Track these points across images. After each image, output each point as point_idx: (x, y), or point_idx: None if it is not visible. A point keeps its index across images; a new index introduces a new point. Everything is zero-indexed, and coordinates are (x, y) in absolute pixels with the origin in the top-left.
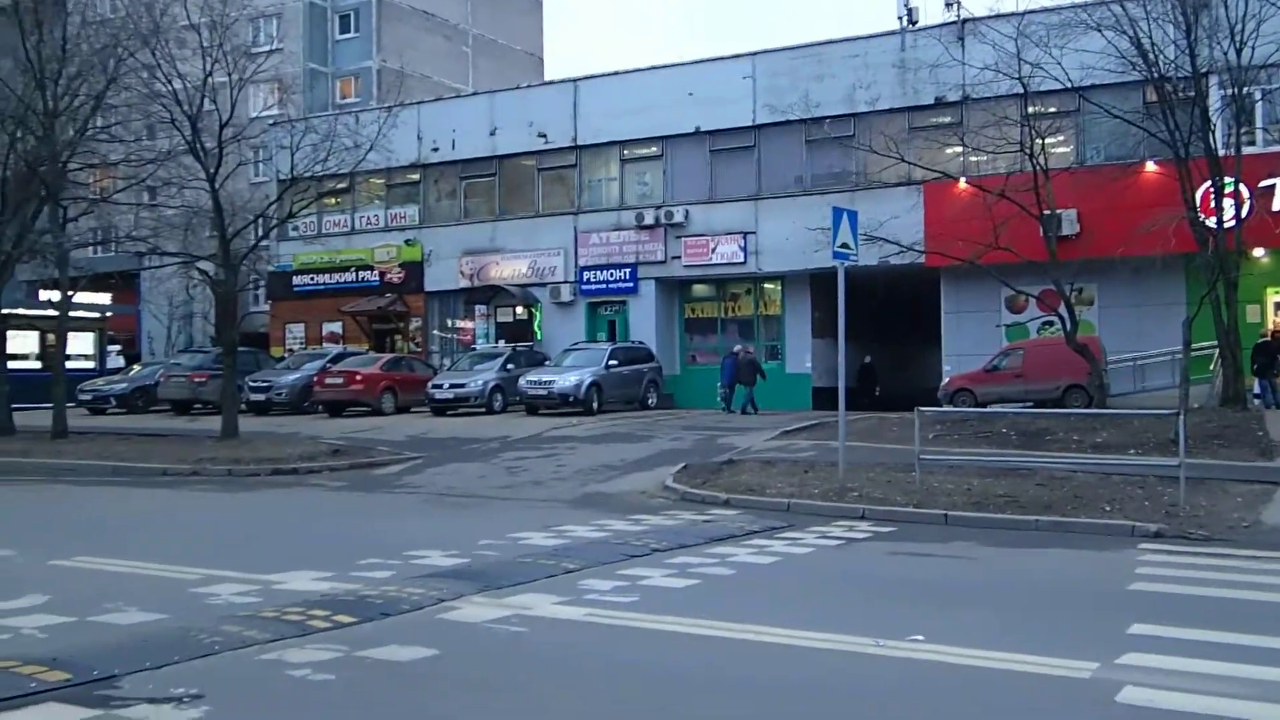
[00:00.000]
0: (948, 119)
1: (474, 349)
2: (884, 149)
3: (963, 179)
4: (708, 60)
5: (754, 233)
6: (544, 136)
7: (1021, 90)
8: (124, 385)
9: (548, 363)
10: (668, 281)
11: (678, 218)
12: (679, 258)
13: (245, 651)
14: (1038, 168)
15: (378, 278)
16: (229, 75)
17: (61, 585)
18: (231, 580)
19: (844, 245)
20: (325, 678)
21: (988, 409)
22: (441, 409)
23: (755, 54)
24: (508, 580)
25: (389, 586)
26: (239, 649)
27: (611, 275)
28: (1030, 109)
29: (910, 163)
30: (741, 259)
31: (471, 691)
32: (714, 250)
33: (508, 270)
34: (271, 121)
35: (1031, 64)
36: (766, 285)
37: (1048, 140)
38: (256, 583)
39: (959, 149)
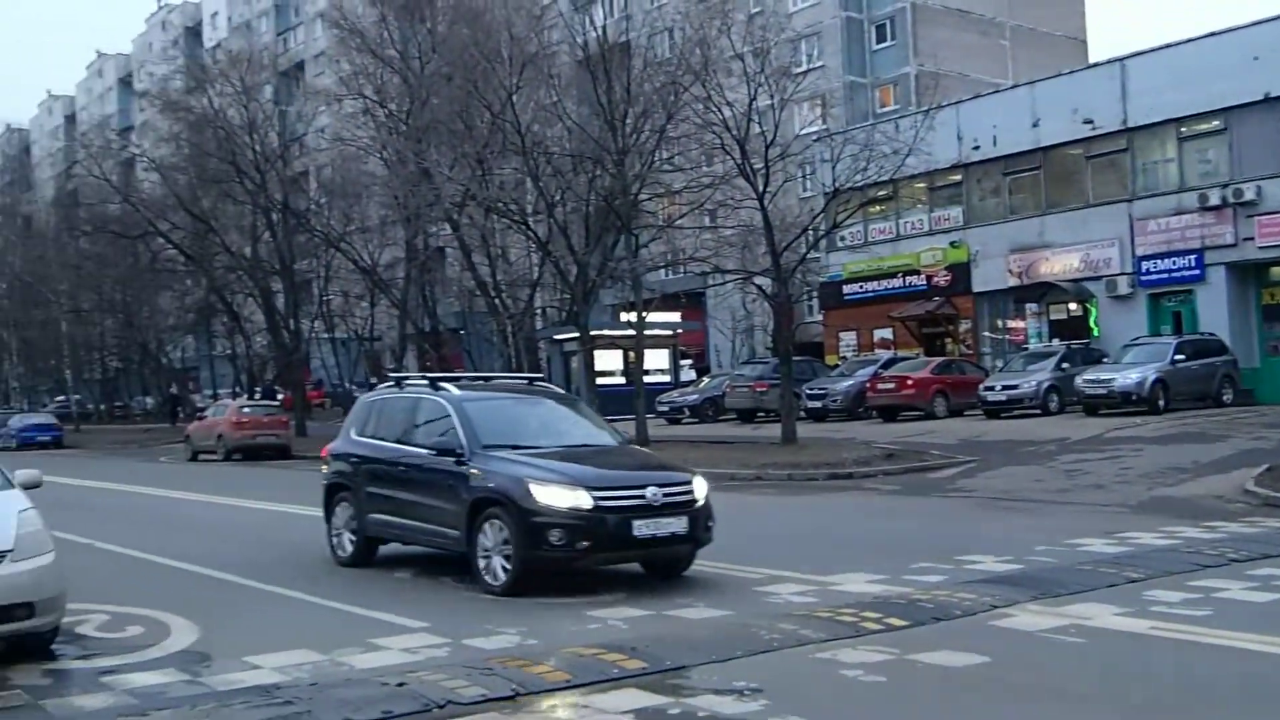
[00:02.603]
0: None
1: (1026, 348)
2: None
3: None
4: (1273, 19)
5: None
6: (1090, 122)
7: None
8: (695, 396)
9: (1105, 360)
10: (1239, 266)
11: (1248, 195)
12: (1251, 239)
13: (801, 650)
14: None
15: (924, 282)
16: (772, 97)
17: (641, 582)
18: (790, 580)
19: None
20: (876, 679)
21: None
22: (994, 411)
23: None
24: (1064, 588)
25: (940, 591)
26: (795, 647)
27: (1174, 263)
28: None
29: None
30: None
31: (1025, 702)
32: None
33: (1058, 265)
34: (814, 137)
35: None
36: None
37: None
38: (813, 583)
39: None
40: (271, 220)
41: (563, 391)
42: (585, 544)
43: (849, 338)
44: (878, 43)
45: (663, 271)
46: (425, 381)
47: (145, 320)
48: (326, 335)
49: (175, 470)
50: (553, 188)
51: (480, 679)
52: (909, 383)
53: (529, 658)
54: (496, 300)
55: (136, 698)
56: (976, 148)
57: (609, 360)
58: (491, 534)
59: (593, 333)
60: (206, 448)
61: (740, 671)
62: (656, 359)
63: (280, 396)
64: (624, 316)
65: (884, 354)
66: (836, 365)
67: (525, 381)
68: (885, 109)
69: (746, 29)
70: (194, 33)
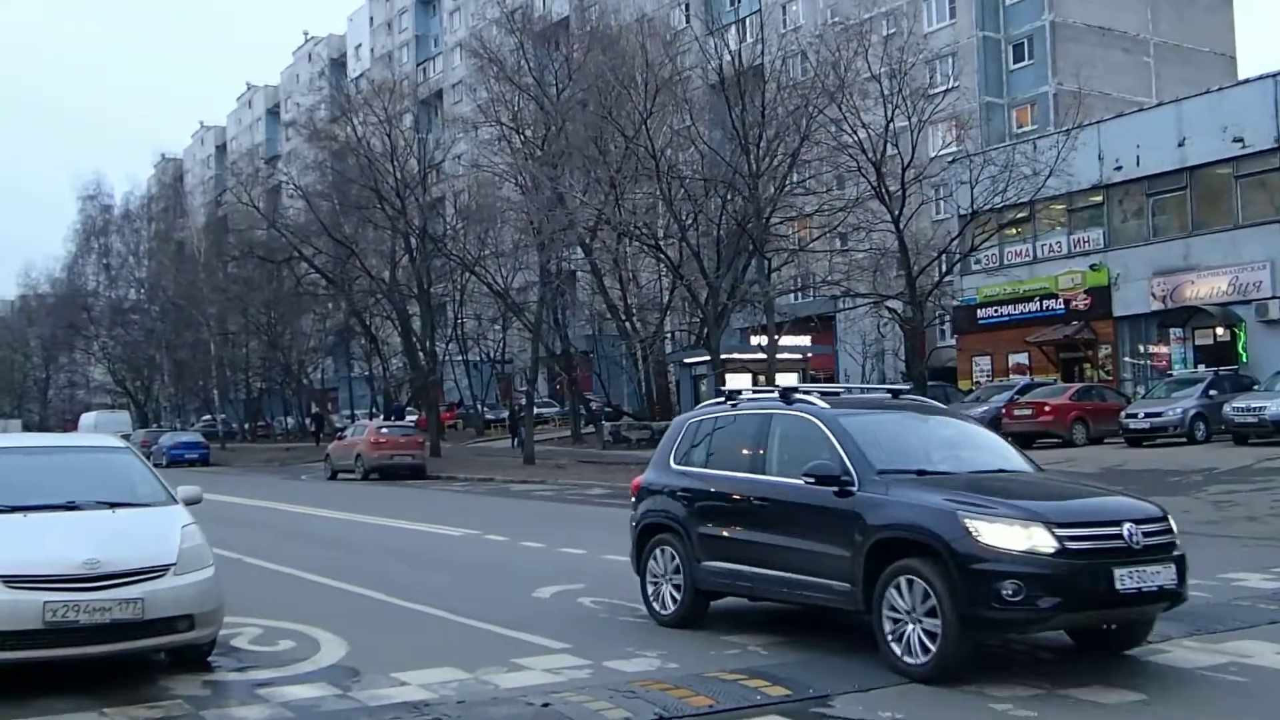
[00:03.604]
0: None
1: (1170, 375)
2: None
3: None
4: None
5: None
6: (1240, 141)
7: None
8: None
9: (1256, 387)
10: None
11: None
12: None
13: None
14: None
15: (1063, 306)
16: (909, 119)
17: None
18: None
19: None
20: (1027, 714)
21: None
22: (1137, 439)
23: None
24: (1221, 624)
25: None
26: None
27: None
28: None
29: None
30: None
31: None
32: None
33: (1204, 289)
34: (951, 159)
35: None
36: None
37: None
38: None
39: None
40: (410, 245)
41: (943, 405)
42: (1052, 601)
43: (983, 362)
44: (1015, 62)
45: (793, 295)
46: (774, 394)
47: (288, 342)
48: (460, 358)
49: (316, 488)
50: (685, 211)
51: (623, 701)
52: (1046, 409)
53: (670, 681)
54: (627, 323)
55: (291, 711)
56: (1119, 168)
57: (739, 384)
58: (907, 591)
59: (723, 356)
60: (345, 467)
61: (885, 702)
62: (787, 383)
63: (413, 418)
64: (754, 340)
65: (1020, 379)
66: (970, 390)
67: (889, 394)
68: (1022, 129)
69: (883, 51)
70: (338, 64)
